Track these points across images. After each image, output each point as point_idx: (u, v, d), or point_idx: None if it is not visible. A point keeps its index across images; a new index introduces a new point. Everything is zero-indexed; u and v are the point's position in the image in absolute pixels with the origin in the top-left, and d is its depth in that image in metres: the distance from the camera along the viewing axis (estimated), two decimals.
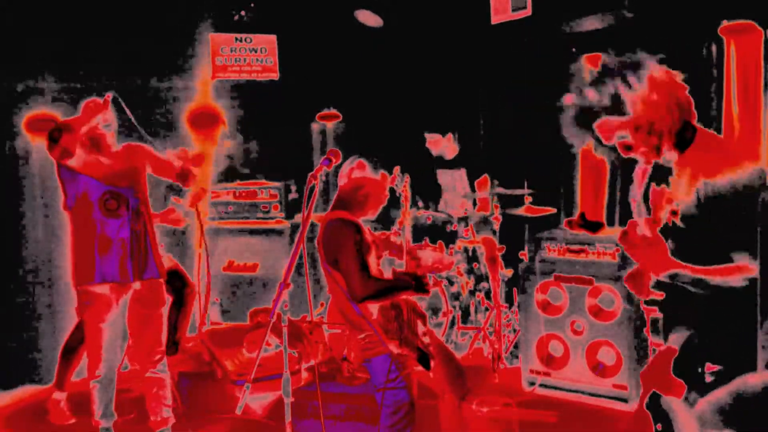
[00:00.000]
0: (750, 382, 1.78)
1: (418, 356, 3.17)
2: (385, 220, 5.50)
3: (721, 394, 1.72)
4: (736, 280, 2.16)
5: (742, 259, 2.15)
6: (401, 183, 3.68)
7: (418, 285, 3.29)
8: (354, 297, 3.15)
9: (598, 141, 2.30)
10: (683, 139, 2.27)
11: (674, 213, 2.21)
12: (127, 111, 3.70)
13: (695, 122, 2.29)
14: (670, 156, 2.29)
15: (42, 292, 5.28)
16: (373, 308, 3.21)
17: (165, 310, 3.89)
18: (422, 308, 3.44)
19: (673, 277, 2.23)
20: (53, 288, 5.31)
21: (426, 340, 3.30)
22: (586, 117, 2.25)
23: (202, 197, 4.65)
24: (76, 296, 3.76)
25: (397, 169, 3.69)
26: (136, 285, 3.76)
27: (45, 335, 5.15)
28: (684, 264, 2.23)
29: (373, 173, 3.36)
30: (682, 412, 2.11)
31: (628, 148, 2.27)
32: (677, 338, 2.29)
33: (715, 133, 2.38)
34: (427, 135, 5.90)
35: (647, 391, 2.37)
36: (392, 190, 3.64)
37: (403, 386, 3.17)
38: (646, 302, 2.34)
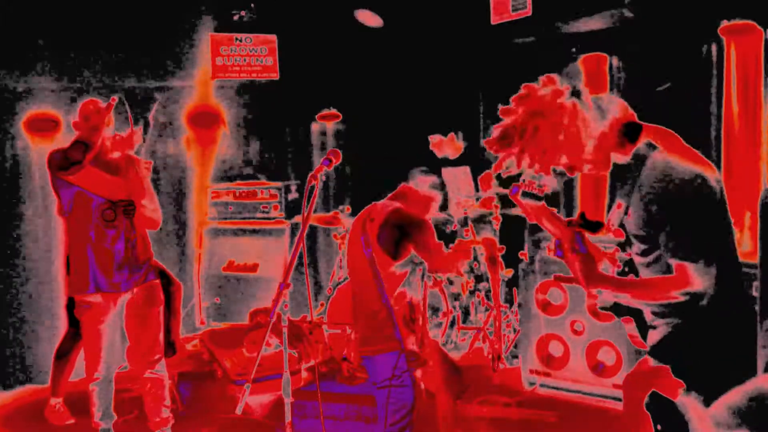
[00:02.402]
0: (766, 382, 1.77)
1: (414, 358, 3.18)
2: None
3: (737, 395, 1.71)
4: (673, 295, 2.05)
5: (681, 268, 2.04)
6: None
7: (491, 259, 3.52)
8: (440, 269, 3.44)
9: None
10: (629, 135, 2.17)
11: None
12: (129, 114, 3.65)
13: (636, 119, 2.20)
14: (621, 156, 2.21)
15: (41, 292, 5.28)
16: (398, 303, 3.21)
17: (161, 310, 3.87)
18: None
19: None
20: (52, 288, 5.31)
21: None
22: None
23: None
24: (75, 300, 3.72)
25: None
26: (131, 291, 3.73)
27: (44, 335, 5.15)
28: (615, 277, 2.24)
29: (439, 193, 3.44)
30: (697, 412, 2.11)
31: (570, 169, 2.25)
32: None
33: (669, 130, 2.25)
34: (430, 137, 5.91)
35: (631, 396, 2.36)
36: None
37: (408, 385, 3.17)
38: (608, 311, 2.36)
